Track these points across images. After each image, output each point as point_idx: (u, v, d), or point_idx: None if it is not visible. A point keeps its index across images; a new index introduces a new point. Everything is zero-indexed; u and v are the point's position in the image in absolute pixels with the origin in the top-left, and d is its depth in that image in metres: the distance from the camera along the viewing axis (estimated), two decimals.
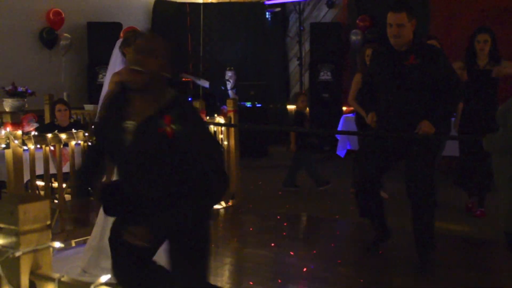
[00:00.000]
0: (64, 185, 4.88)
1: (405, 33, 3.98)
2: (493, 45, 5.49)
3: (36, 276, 1.49)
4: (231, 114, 6.29)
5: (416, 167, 4.03)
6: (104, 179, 3.99)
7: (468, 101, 5.49)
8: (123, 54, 4.30)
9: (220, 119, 6.20)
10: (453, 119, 5.82)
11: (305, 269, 4.33)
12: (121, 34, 4.45)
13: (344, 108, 9.76)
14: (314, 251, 4.73)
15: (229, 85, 9.72)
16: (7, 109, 6.42)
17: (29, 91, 6.73)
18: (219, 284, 4.11)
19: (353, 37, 9.60)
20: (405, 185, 4.13)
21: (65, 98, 7.93)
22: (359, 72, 6.35)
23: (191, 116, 2.50)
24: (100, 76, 9.12)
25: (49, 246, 1.53)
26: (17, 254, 1.46)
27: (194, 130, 2.46)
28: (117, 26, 9.43)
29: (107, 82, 4.38)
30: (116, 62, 4.38)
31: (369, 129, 5.98)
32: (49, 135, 4.66)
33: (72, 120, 6.31)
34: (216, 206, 6.28)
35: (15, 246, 1.47)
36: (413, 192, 4.05)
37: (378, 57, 4.32)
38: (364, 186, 4.27)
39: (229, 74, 9.72)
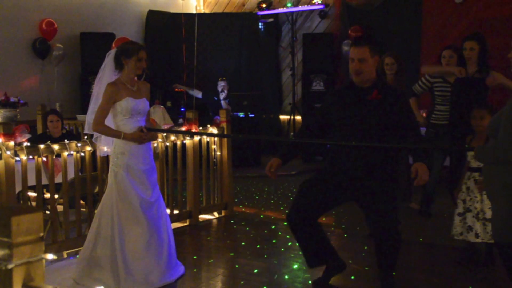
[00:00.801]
0: (56, 196, 4.86)
1: (367, 69, 3.74)
2: (481, 53, 5.37)
3: None
4: (224, 125, 6.30)
5: (379, 209, 3.65)
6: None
7: (457, 109, 5.44)
8: (121, 64, 4.27)
9: (213, 130, 6.21)
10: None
11: (299, 280, 4.32)
12: (113, 45, 4.43)
13: None
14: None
15: (222, 96, 9.73)
16: None
17: (22, 101, 6.72)
18: None
19: (345, 48, 9.65)
20: (368, 224, 3.86)
21: (57, 109, 7.93)
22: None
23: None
24: (93, 86, 9.12)
25: (42, 258, 1.52)
26: (10, 266, 1.45)
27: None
28: (110, 36, 9.44)
29: (97, 92, 4.36)
30: (105, 72, 4.36)
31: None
32: (42, 146, 4.65)
33: (64, 131, 6.30)
34: (209, 217, 6.27)
35: (7, 258, 1.46)
36: (378, 232, 3.70)
37: (337, 93, 4.01)
38: (295, 220, 3.83)
39: (221, 84, 9.74)
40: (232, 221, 6.16)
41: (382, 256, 3.75)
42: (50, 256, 1.56)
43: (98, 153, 4.64)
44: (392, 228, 3.63)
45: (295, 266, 4.61)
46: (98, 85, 4.37)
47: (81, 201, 5.12)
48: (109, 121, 4.28)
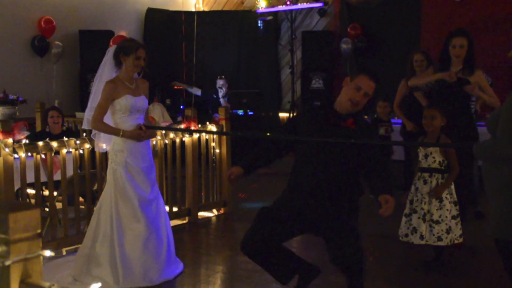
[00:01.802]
0: (55, 193, 4.86)
1: (364, 103, 3.58)
2: (469, 51, 4.98)
3: (26, 285, 1.48)
4: (223, 122, 6.30)
5: (341, 241, 3.38)
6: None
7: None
8: (119, 62, 4.27)
9: (212, 127, 6.20)
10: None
11: (297, 277, 4.32)
12: (111, 43, 4.42)
13: None
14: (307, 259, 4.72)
15: (221, 93, 9.73)
16: None
17: (20, 99, 6.71)
18: None
19: (344, 46, 9.65)
20: (329, 254, 3.48)
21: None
22: (406, 79, 6.13)
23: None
24: (92, 84, 9.12)
25: (40, 255, 1.52)
26: (7, 263, 1.45)
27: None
28: (109, 34, 9.43)
29: (96, 89, 4.36)
30: (104, 70, 4.36)
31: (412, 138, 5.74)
32: (40, 143, 4.64)
33: (64, 128, 6.29)
34: (208, 214, 6.27)
35: (5, 255, 1.46)
36: (341, 263, 3.44)
37: (311, 111, 3.75)
38: (250, 251, 3.51)
39: (220, 82, 9.74)
40: (231, 219, 6.16)
41: (348, 279, 3.52)
42: (47, 253, 1.56)
43: (97, 149, 4.64)
44: (356, 259, 3.37)
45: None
46: (97, 82, 4.37)
47: (80, 198, 5.12)
48: (108, 119, 4.27)
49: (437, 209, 4.29)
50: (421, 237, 4.30)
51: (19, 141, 4.57)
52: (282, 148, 3.72)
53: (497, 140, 2.98)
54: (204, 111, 9.13)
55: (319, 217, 3.47)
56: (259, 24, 10.69)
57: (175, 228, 5.37)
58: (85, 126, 4.46)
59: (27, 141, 4.64)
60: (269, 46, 10.90)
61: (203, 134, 6.09)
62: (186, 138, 5.96)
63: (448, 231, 4.28)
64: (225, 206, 6.37)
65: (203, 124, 6.23)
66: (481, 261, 4.76)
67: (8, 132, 4.45)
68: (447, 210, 4.30)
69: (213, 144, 6.29)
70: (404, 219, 4.43)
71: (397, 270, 4.51)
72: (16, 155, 4.49)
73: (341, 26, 10.07)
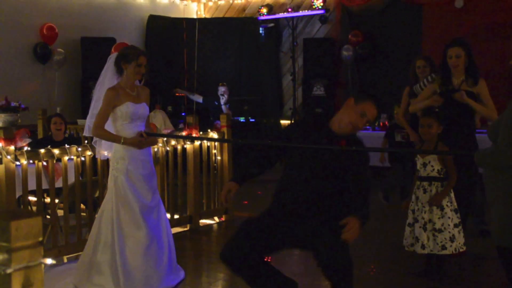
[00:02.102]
0: (56, 201, 4.86)
1: (362, 127, 3.50)
2: (468, 60, 4.82)
3: None
4: (225, 129, 6.30)
5: (332, 256, 3.23)
6: None
7: (443, 122, 4.78)
8: (120, 69, 4.28)
9: (214, 134, 6.21)
10: None
11: (298, 283, 4.31)
12: (113, 50, 4.43)
13: None
14: (309, 265, 4.72)
15: (222, 100, 9.74)
16: (0, 124, 6.41)
17: (22, 106, 6.71)
18: None
19: (345, 53, 9.66)
20: (322, 269, 3.32)
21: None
22: (409, 86, 5.98)
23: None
24: (94, 91, 9.14)
25: (41, 263, 1.52)
26: (9, 271, 1.45)
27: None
28: (111, 41, 9.45)
29: (97, 96, 4.37)
30: (106, 76, 4.37)
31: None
32: (42, 151, 4.65)
33: (67, 135, 6.30)
34: (209, 221, 6.27)
35: (6, 263, 1.46)
36: (332, 276, 3.30)
37: (305, 126, 3.63)
38: (231, 262, 3.40)
39: (222, 89, 9.75)
40: (232, 226, 6.15)
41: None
42: (49, 261, 1.56)
43: (98, 156, 4.64)
44: (345, 271, 3.25)
45: (295, 270, 4.60)
46: (99, 89, 4.38)
47: (82, 206, 5.12)
48: (109, 126, 4.28)
49: (439, 218, 4.27)
50: (423, 247, 4.27)
51: (20, 148, 4.57)
52: (273, 155, 3.62)
53: (498, 147, 2.98)
54: (206, 118, 9.14)
55: (303, 232, 3.34)
56: (260, 31, 10.70)
57: (176, 236, 5.36)
58: (86, 133, 4.46)
59: (28, 148, 4.65)
60: (270, 53, 10.92)
61: (205, 141, 6.10)
62: (188, 145, 5.96)
63: (452, 239, 4.25)
64: (226, 213, 6.37)
65: (205, 131, 6.24)
66: (484, 269, 4.75)
67: (10, 139, 4.45)
68: (449, 218, 4.28)
69: (214, 151, 6.29)
70: (408, 228, 4.41)
71: (399, 278, 4.50)
72: (17, 162, 4.50)
73: (342, 33, 10.08)
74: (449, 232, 4.25)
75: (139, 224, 4.22)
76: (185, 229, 5.96)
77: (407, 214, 4.45)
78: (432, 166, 4.34)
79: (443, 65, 4.90)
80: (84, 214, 5.16)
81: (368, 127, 8.45)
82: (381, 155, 5.59)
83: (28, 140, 4.64)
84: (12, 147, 4.45)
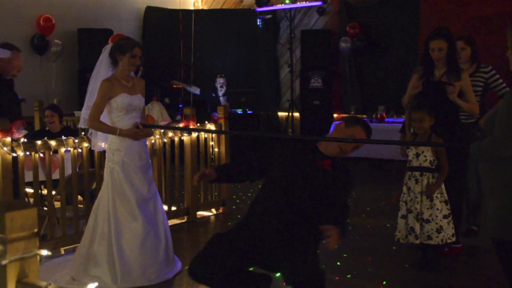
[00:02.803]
0: (53, 192, 4.85)
1: (350, 152, 3.40)
2: (450, 53, 4.65)
3: (23, 284, 1.48)
4: (222, 121, 6.29)
5: (295, 266, 3.13)
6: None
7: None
8: (115, 60, 4.26)
9: (211, 126, 6.20)
10: None
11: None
12: (110, 41, 4.41)
13: (335, 115, 9.80)
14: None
15: (220, 92, 9.72)
16: None
17: (19, 97, 6.68)
18: None
19: (343, 44, 9.64)
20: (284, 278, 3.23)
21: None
22: (416, 73, 5.80)
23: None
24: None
25: (36, 254, 1.52)
26: (4, 262, 1.45)
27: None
28: (108, 32, 9.41)
29: (93, 88, 4.36)
30: (101, 68, 4.36)
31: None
32: (39, 142, 4.64)
33: (62, 126, 6.27)
34: (207, 213, 6.27)
35: (1, 254, 1.45)
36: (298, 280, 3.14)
37: (289, 147, 3.46)
38: (198, 278, 3.30)
39: (220, 81, 9.73)
40: (230, 218, 6.16)
41: None
42: (44, 252, 1.55)
43: (94, 148, 4.64)
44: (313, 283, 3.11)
45: None
46: (94, 81, 4.37)
47: (79, 197, 5.11)
48: (104, 118, 4.27)
49: (427, 209, 4.30)
50: (416, 237, 4.32)
51: (17, 140, 4.56)
52: (255, 171, 3.52)
53: (494, 139, 2.97)
54: (203, 110, 9.12)
55: (271, 250, 3.24)
56: (258, 23, 10.68)
57: (173, 227, 5.37)
58: (81, 125, 4.46)
59: (25, 140, 4.63)
60: (268, 44, 10.89)
61: (202, 133, 6.09)
62: (185, 137, 5.95)
63: (439, 230, 4.28)
64: (223, 205, 6.37)
65: (202, 123, 6.23)
66: (479, 261, 4.76)
67: (6, 131, 4.44)
68: (438, 209, 4.30)
69: (212, 143, 6.28)
70: (402, 220, 4.41)
71: (397, 271, 4.51)
72: (14, 154, 4.49)
73: (340, 25, 10.05)
74: (436, 223, 4.28)
75: (135, 216, 4.21)
76: (183, 221, 5.96)
77: (399, 207, 4.45)
78: (425, 156, 4.37)
79: (424, 55, 4.73)
80: (81, 206, 5.16)
81: (365, 119, 8.45)
82: (401, 149, 5.41)
83: (25, 132, 4.63)
84: (8, 139, 4.44)
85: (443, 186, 4.39)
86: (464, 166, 4.84)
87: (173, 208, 5.88)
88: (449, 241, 4.34)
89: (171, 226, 4.69)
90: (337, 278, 4.29)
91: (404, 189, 4.43)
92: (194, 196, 6.04)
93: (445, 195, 4.37)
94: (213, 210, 6.34)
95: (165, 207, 5.31)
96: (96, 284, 1.49)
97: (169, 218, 5.33)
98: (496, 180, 3.02)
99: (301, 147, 3.42)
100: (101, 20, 10.11)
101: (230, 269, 3.25)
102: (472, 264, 4.71)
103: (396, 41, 9.45)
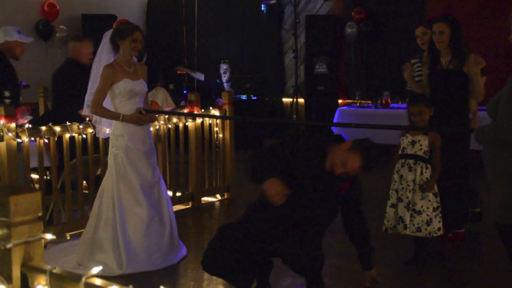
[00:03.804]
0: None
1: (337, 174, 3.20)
2: (454, 37, 4.51)
3: (28, 267, 1.49)
4: (226, 107, 6.29)
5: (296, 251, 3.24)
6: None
7: (435, 105, 4.54)
8: (116, 46, 4.26)
9: (215, 112, 6.19)
10: None
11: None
12: (114, 26, 4.41)
13: (340, 101, 9.77)
14: None
15: (224, 78, 9.70)
16: None
17: (24, 83, 6.70)
18: (214, 277, 4.12)
19: (348, 30, 9.58)
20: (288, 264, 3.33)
21: None
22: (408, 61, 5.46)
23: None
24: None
25: (41, 238, 1.53)
26: (8, 246, 1.46)
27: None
28: (112, 18, 9.38)
29: (95, 74, 4.36)
30: (102, 54, 4.35)
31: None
32: (43, 128, 4.65)
33: None
34: (211, 199, 6.29)
35: (6, 238, 1.46)
36: (301, 271, 3.38)
37: (308, 160, 3.29)
38: (212, 271, 3.43)
39: (224, 67, 9.71)
40: (234, 204, 6.17)
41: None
42: (49, 236, 1.56)
43: (99, 135, 4.65)
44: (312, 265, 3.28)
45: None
46: (96, 67, 4.37)
47: (84, 183, 5.13)
48: (107, 104, 4.28)
49: (420, 199, 4.16)
50: (405, 227, 4.17)
51: (22, 126, 4.57)
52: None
53: (498, 124, 2.96)
54: (207, 96, 9.11)
55: (277, 244, 3.30)
56: (262, 8, 10.62)
57: (178, 213, 5.39)
58: (85, 111, 4.47)
59: (30, 126, 4.65)
60: (272, 30, 10.84)
61: (207, 118, 6.09)
62: (189, 123, 5.95)
63: (429, 223, 4.14)
64: (228, 191, 6.38)
65: (206, 108, 6.23)
66: (483, 246, 4.76)
67: (11, 117, 4.45)
68: (429, 201, 4.17)
69: (216, 128, 6.28)
70: (391, 209, 4.24)
71: (401, 253, 4.52)
72: (19, 140, 4.50)
73: (345, 10, 9.99)
74: (427, 215, 4.14)
75: (140, 201, 4.23)
76: (187, 206, 5.98)
77: (388, 195, 4.29)
78: (420, 145, 4.23)
79: (431, 43, 4.65)
80: (87, 191, 5.18)
81: (370, 104, 8.43)
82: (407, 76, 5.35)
83: (29, 118, 4.64)
84: (13, 124, 4.45)
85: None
86: (467, 153, 4.71)
87: (178, 194, 5.90)
88: (434, 234, 4.19)
89: (176, 211, 4.71)
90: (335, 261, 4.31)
91: (396, 177, 4.27)
92: (198, 181, 6.05)
93: (436, 188, 4.23)
94: (218, 196, 6.36)
95: (170, 193, 5.33)
96: (101, 267, 1.50)
97: (174, 204, 5.35)
98: (500, 165, 3.01)
99: (319, 168, 3.23)
100: (105, 5, 10.07)
101: (241, 260, 3.30)
102: (475, 248, 4.71)
103: (401, 26, 9.39)
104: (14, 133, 4.45)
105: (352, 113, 8.30)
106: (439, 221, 4.22)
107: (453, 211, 4.68)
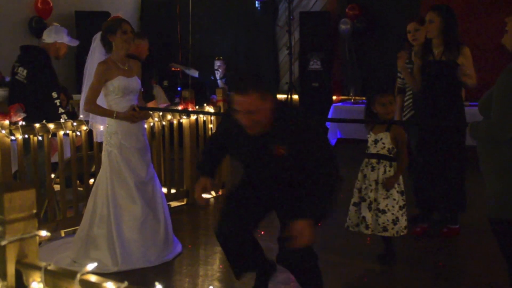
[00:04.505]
0: (52, 175, 4.86)
1: (261, 119, 2.93)
2: (445, 27, 4.43)
3: (22, 264, 1.49)
4: (221, 104, 6.29)
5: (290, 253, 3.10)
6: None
7: (426, 99, 4.63)
8: (109, 44, 4.25)
9: (210, 109, 6.19)
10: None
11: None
12: (102, 27, 4.41)
13: (334, 97, 9.78)
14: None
15: (218, 75, 9.69)
16: None
17: None
18: (209, 273, 4.13)
19: (342, 26, 9.59)
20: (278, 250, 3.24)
21: None
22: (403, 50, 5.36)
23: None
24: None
25: (35, 235, 1.53)
26: (3, 243, 1.46)
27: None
28: (105, 15, 9.34)
29: (87, 80, 4.37)
30: (94, 58, 4.36)
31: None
32: (37, 125, 4.63)
33: (68, 109, 6.25)
34: (206, 196, 6.29)
35: (0, 235, 1.46)
36: (290, 261, 3.22)
37: (234, 125, 3.07)
38: (227, 237, 3.28)
39: (218, 63, 9.69)
40: None
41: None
42: (43, 233, 1.56)
43: (95, 139, 4.65)
44: (307, 260, 3.15)
45: None
46: (90, 68, 4.38)
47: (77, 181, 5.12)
48: (101, 101, 4.27)
49: (384, 198, 4.05)
50: (367, 227, 4.08)
51: (15, 123, 4.55)
52: (223, 148, 3.38)
53: (492, 123, 2.97)
54: (202, 93, 9.10)
55: (277, 200, 3.24)
56: (256, 5, 10.61)
57: (173, 210, 5.40)
58: (82, 113, 4.48)
59: (23, 123, 4.63)
60: (266, 27, 10.83)
61: (201, 115, 6.08)
62: (184, 120, 5.95)
63: (395, 222, 4.04)
64: (223, 187, 6.38)
65: (201, 105, 6.22)
66: (477, 241, 4.78)
67: (4, 114, 4.44)
68: (394, 199, 4.06)
69: (210, 125, 6.28)
70: (353, 208, 4.15)
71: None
72: (13, 137, 4.49)
73: (339, 6, 9.99)
74: (393, 214, 4.04)
75: (134, 198, 4.23)
76: (182, 203, 5.98)
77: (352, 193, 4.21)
78: (383, 143, 4.11)
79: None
80: (81, 188, 5.17)
81: (364, 101, 8.43)
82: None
83: (23, 115, 4.62)
84: (6, 122, 4.44)
85: (400, 176, 4.15)
86: (464, 146, 4.66)
87: (173, 191, 5.90)
88: (401, 233, 4.08)
89: (171, 208, 4.71)
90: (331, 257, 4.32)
91: (360, 176, 4.16)
92: (193, 178, 6.05)
93: (402, 185, 4.12)
94: (213, 193, 6.35)
95: (165, 190, 5.33)
96: (96, 264, 1.50)
97: (169, 200, 5.35)
98: (495, 161, 3.02)
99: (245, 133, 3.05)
100: (99, 2, 10.04)
101: (254, 223, 3.33)
102: (469, 244, 4.73)
103: (396, 23, 9.39)
104: (7, 130, 4.43)
105: (346, 109, 8.32)
106: (405, 220, 4.10)
107: (448, 206, 4.70)
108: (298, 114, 3.15)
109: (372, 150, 4.15)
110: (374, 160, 4.12)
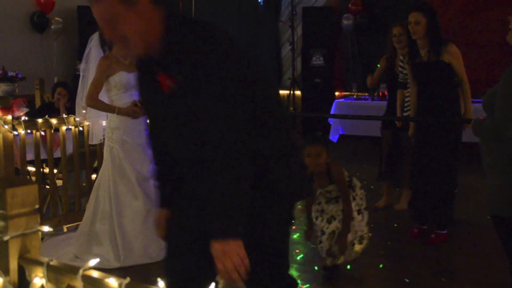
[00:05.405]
0: (55, 171, 4.87)
1: (130, 34, 1.97)
2: (430, 27, 4.33)
3: (25, 260, 1.49)
4: None
5: None
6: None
7: (422, 102, 4.55)
8: (109, 42, 4.24)
9: None
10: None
11: (297, 251, 4.36)
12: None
13: (337, 93, 9.77)
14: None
15: None
16: None
17: (20, 75, 6.68)
18: None
19: (345, 22, 9.58)
20: None
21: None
22: (385, 55, 5.56)
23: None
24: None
25: (38, 230, 1.53)
26: (6, 238, 1.46)
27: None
28: None
29: (89, 72, 4.36)
30: (90, 60, 4.36)
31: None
32: (40, 120, 4.64)
33: (67, 105, 6.25)
34: None
35: (3, 230, 1.46)
36: None
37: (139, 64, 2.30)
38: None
39: None
40: None
41: None
42: (46, 228, 1.56)
43: (94, 140, 4.68)
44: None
45: (291, 240, 4.64)
46: (86, 75, 4.38)
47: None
48: (103, 98, 4.28)
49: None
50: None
51: (18, 118, 4.56)
52: None
53: (496, 121, 2.96)
54: None
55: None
56: (259, 0, 10.60)
57: None
58: (77, 113, 4.49)
59: (26, 118, 4.63)
60: (269, 22, 10.82)
61: None
62: None
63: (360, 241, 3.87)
64: None
65: None
66: (478, 238, 4.77)
67: (7, 109, 4.44)
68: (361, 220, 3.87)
69: None
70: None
71: (395, 245, 4.53)
72: (15, 132, 4.49)
73: (341, 1, 9.97)
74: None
75: (136, 194, 4.23)
76: None
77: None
78: (329, 192, 3.84)
79: (409, 33, 4.51)
80: (84, 184, 5.17)
81: (367, 97, 8.42)
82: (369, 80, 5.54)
83: (26, 110, 4.63)
84: (9, 117, 4.44)
85: (363, 195, 3.89)
86: (457, 149, 4.55)
87: None
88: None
89: None
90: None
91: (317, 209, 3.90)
92: None
93: (361, 203, 3.87)
94: None
95: None
96: (98, 260, 1.50)
97: None
98: (497, 158, 3.01)
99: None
100: None
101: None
102: (470, 241, 4.72)
103: (398, 19, 9.36)
104: (10, 125, 4.43)
105: (349, 105, 8.31)
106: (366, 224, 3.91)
107: (436, 212, 4.58)
108: (199, 34, 1.98)
109: (323, 200, 3.88)
110: (327, 216, 3.84)
